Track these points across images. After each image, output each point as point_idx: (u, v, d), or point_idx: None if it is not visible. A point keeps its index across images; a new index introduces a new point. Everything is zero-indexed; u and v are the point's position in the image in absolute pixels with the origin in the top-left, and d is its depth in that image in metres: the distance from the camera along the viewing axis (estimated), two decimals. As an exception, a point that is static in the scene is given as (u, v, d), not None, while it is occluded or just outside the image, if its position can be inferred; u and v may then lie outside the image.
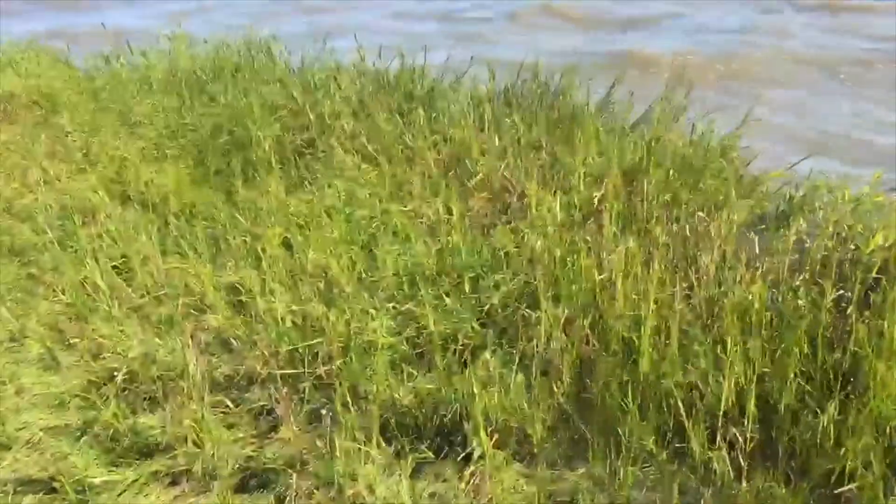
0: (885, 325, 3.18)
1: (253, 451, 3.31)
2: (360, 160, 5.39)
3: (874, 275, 3.68)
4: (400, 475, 3.01)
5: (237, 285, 4.23)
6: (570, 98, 6.10)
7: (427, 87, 6.48)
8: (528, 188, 4.65)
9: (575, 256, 3.90)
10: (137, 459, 3.25)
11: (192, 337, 3.57)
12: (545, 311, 3.63)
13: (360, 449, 3.09)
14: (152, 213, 5.06)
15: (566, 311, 3.65)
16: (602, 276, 3.82)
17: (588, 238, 4.14)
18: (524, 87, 6.46)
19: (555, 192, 4.60)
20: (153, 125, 6.32)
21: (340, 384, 3.34)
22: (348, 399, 3.24)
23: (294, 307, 3.88)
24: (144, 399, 3.59)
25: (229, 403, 3.50)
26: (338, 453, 3.01)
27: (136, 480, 3.13)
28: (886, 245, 3.74)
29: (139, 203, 5.30)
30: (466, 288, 3.99)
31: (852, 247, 3.87)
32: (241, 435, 3.39)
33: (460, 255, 4.14)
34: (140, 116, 6.48)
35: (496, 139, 5.34)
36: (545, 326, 3.59)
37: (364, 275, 4.19)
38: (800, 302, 3.53)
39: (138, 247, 4.46)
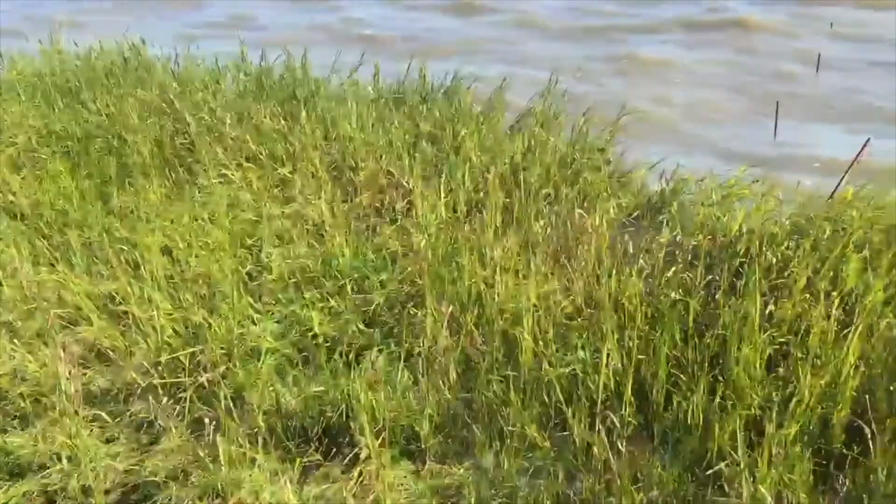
0: (748, 307, 3.37)
1: (133, 464, 3.21)
2: (244, 162, 5.29)
3: (740, 260, 3.89)
4: (286, 479, 2.97)
5: (114, 295, 4.08)
6: (456, 97, 6.16)
7: (312, 87, 6.41)
8: (414, 186, 4.69)
9: (458, 253, 3.95)
10: (7, 481, 3.10)
11: (64, 350, 3.41)
12: (431, 310, 3.67)
13: (244, 455, 3.04)
14: (22, 223, 4.81)
15: (451, 308, 3.69)
16: (485, 273, 3.89)
17: (472, 235, 4.21)
18: (411, 87, 6.48)
19: (439, 189, 4.64)
20: (23, 132, 5.99)
21: (223, 391, 3.27)
22: (231, 406, 3.18)
23: (175, 315, 3.77)
24: (14, 418, 3.42)
25: (107, 417, 3.38)
26: (221, 461, 2.95)
27: (7, 503, 2.98)
28: (747, 232, 3.96)
29: (7, 213, 5.02)
30: (350, 289, 3.97)
31: (721, 237, 4.07)
32: (120, 449, 3.28)
33: (344, 257, 4.13)
34: (7, 123, 6.14)
35: (381, 137, 5.35)
36: (430, 325, 3.63)
37: (248, 279, 4.12)
38: (672, 293, 3.69)
39: (5, 259, 4.23)
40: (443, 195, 4.58)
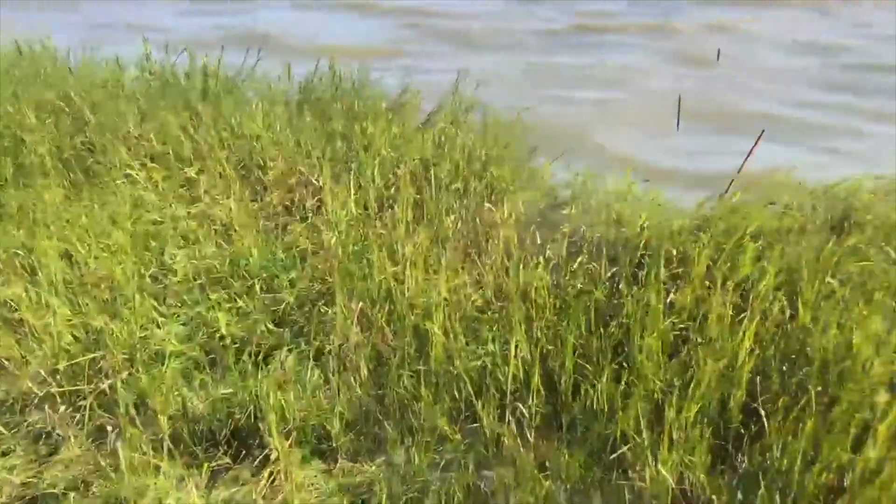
0: (650, 297, 3.47)
1: (31, 476, 3.09)
2: (148, 162, 5.14)
3: (640, 253, 4.00)
4: (192, 485, 2.92)
5: (9, 301, 3.91)
6: (365, 94, 6.13)
7: (219, 85, 6.27)
8: (324, 184, 4.65)
9: (369, 250, 3.94)
10: None
11: (-48, 361, 3.26)
12: (341, 307, 3.65)
13: (148, 463, 2.97)
14: None
15: (361, 305, 3.68)
16: (396, 268, 3.89)
17: (382, 231, 4.21)
18: (321, 84, 6.42)
19: (350, 186, 4.62)
20: None
21: (126, 397, 3.18)
22: (133, 413, 3.09)
23: (74, 320, 3.64)
24: None
25: (2, 429, 3.24)
26: (123, 470, 2.87)
27: None
28: (647, 226, 4.08)
29: None
30: (259, 288, 3.91)
31: (623, 230, 4.18)
32: (16, 461, 3.15)
33: (253, 256, 4.06)
34: None
35: (290, 135, 5.28)
36: (340, 322, 3.61)
37: (151, 282, 4.01)
38: (577, 284, 3.77)
39: None
40: (353, 192, 4.56)
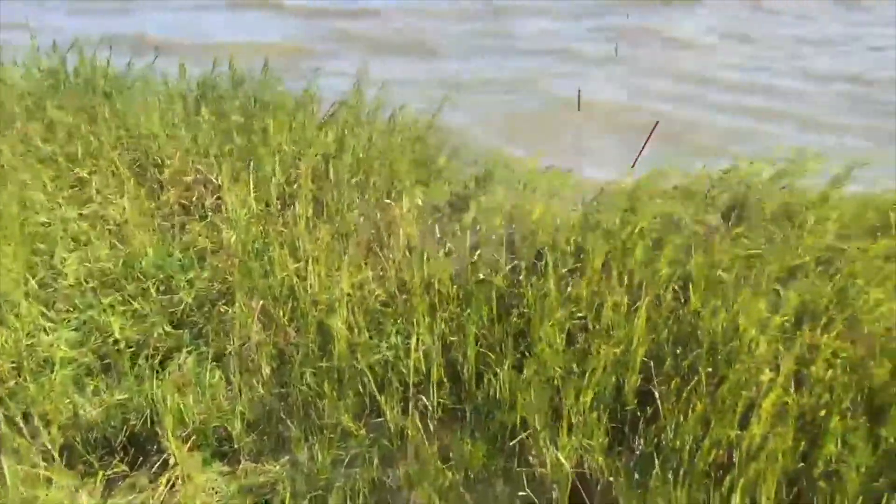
0: (548, 287, 3.54)
1: None
2: (36, 161, 4.92)
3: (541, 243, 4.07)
4: (86, 495, 2.82)
5: None
6: (266, 90, 6.03)
7: (110, 83, 6.06)
8: (222, 181, 4.55)
9: (269, 247, 3.89)
10: None
11: None
12: (241, 306, 3.59)
13: (38, 475, 2.85)
14: None
15: (262, 303, 3.63)
16: (297, 265, 3.85)
17: (283, 228, 4.15)
18: (220, 81, 6.27)
19: (249, 183, 4.54)
20: None
21: (13, 408, 3.04)
22: (20, 423, 2.96)
23: (-47, 330, 3.46)
24: None
25: None
26: (9, 483, 2.75)
27: None
28: (547, 218, 4.16)
29: None
30: (155, 290, 3.80)
31: (523, 223, 4.25)
32: None
33: (148, 257, 3.95)
34: None
35: (187, 133, 5.15)
36: (241, 321, 3.55)
37: (40, 287, 3.84)
38: (479, 274, 3.81)
39: None
40: (252, 189, 4.48)
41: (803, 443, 2.95)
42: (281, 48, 9.32)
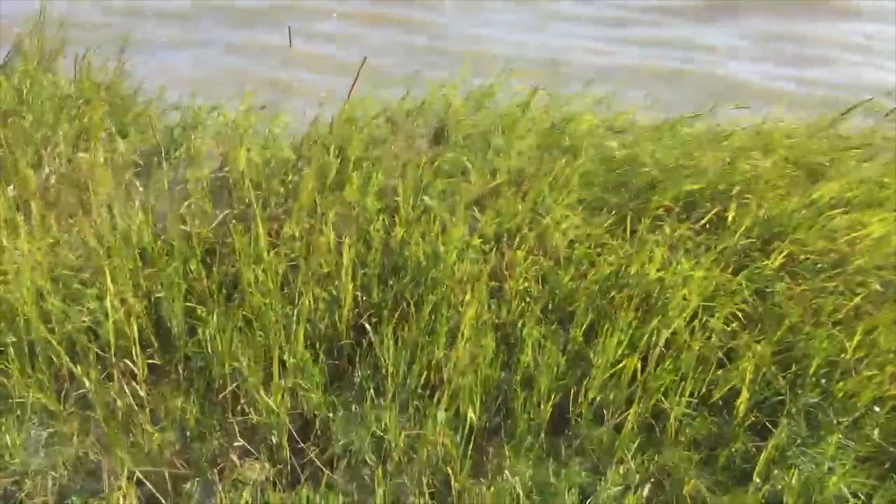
0: (257, 232, 3.45)
1: None
2: None
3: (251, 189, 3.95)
4: None
5: None
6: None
7: None
8: None
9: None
10: None
11: None
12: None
13: None
14: None
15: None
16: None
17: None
18: None
19: None
20: None
21: None
22: None
23: None
24: None
25: None
26: None
27: None
28: (255, 160, 4.05)
29: None
30: None
31: (226, 168, 4.10)
32: None
33: None
34: None
35: None
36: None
37: None
38: (184, 226, 3.63)
39: None
40: None
41: (503, 353, 3.17)
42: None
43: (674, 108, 4.97)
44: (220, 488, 2.81)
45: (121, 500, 2.72)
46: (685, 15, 8.72)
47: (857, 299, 3.33)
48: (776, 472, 2.86)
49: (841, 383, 3.07)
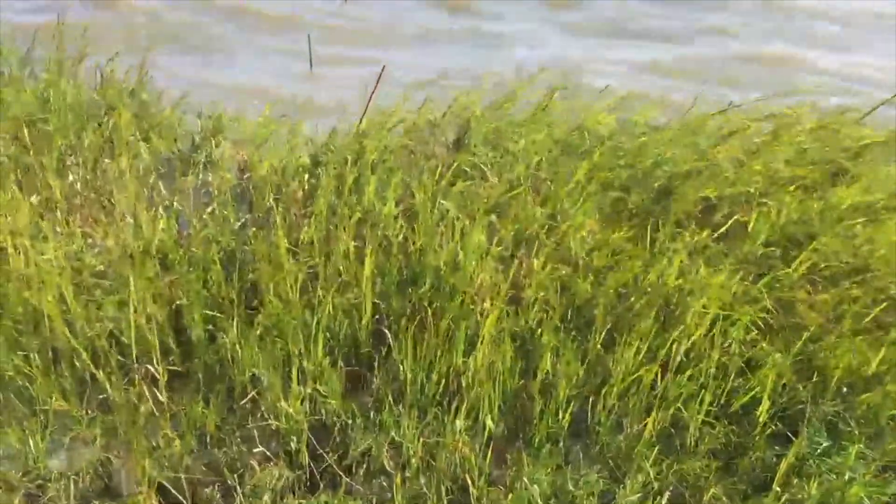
0: (277, 238, 3.47)
1: None
2: None
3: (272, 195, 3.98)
4: None
5: None
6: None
7: None
8: None
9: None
10: None
11: None
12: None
13: None
14: None
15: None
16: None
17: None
18: None
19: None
20: None
21: None
22: None
23: None
24: None
25: None
26: None
27: None
28: (277, 168, 4.08)
29: None
30: None
31: (252, 173, 4.13)
32: None
33: None
34: None
35: None
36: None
37: None
38: (206, 232, 3.66)
39: None
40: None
41: (522, 361, 3.17)
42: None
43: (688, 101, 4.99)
44: (240, 493, 2.83)
45: None
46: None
47: (877, 310, 3.30)
48: (796, 481, 2.83)
49: (864, 395, 3.05)
